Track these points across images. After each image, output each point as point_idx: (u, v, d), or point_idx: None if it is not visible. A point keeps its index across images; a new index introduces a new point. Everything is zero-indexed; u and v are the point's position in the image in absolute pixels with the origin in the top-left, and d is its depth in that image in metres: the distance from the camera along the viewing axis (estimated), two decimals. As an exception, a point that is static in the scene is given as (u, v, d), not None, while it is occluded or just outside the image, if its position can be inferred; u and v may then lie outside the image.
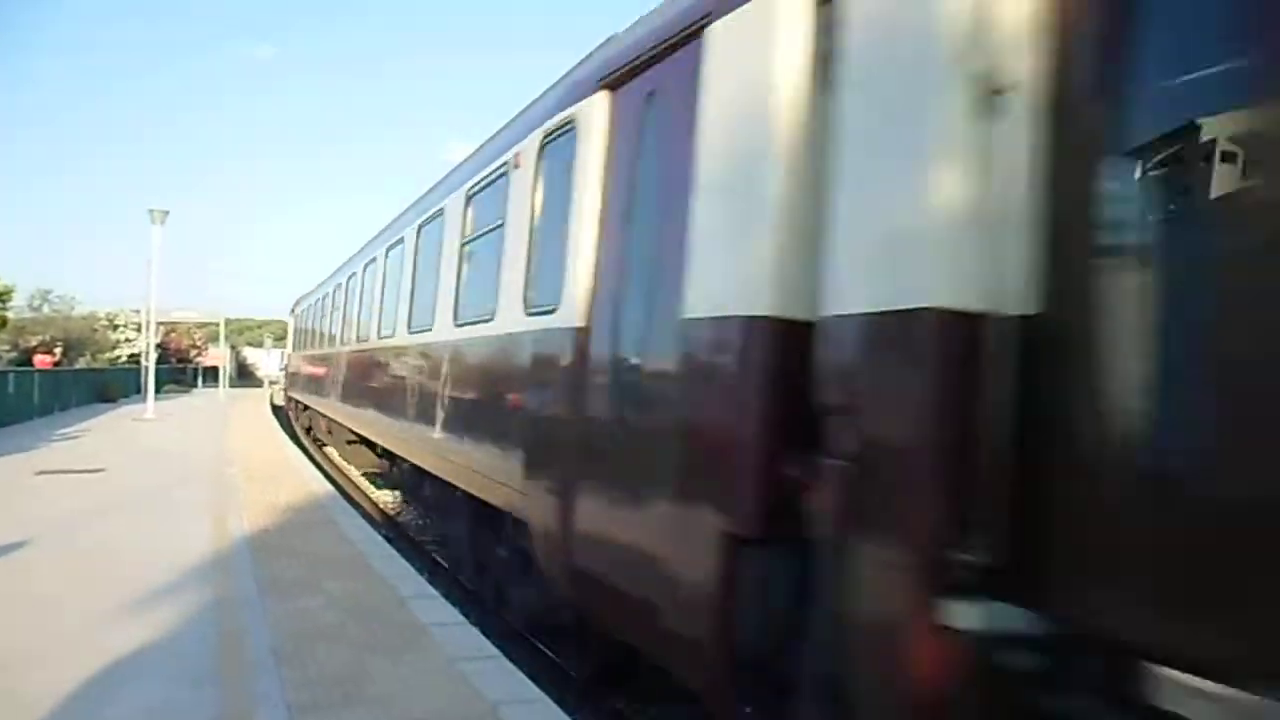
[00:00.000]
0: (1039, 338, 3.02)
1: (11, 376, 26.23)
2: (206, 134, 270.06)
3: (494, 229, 7.86)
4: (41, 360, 34.97)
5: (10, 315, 48.42)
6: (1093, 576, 2.82)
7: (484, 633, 6.56)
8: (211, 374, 61.96)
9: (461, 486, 8.31)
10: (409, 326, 11.10)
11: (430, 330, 9.74)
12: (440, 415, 8.88)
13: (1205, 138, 2.60)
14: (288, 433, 25.12)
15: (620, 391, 5.25)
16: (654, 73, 5.27)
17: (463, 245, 9.00)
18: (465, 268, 8.92)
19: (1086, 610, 2.86)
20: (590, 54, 6.68)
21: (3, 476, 13.72)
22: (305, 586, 7.42)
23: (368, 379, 13.83)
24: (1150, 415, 2.71)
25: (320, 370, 20.98)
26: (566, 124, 6.32)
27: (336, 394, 17.51)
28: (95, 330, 59.17)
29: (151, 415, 27.46)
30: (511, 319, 7.01)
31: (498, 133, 8.72)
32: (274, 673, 5.39)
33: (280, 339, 64.03)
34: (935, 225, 3.10)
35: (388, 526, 13.20)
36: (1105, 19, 3.02)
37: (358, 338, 15.60)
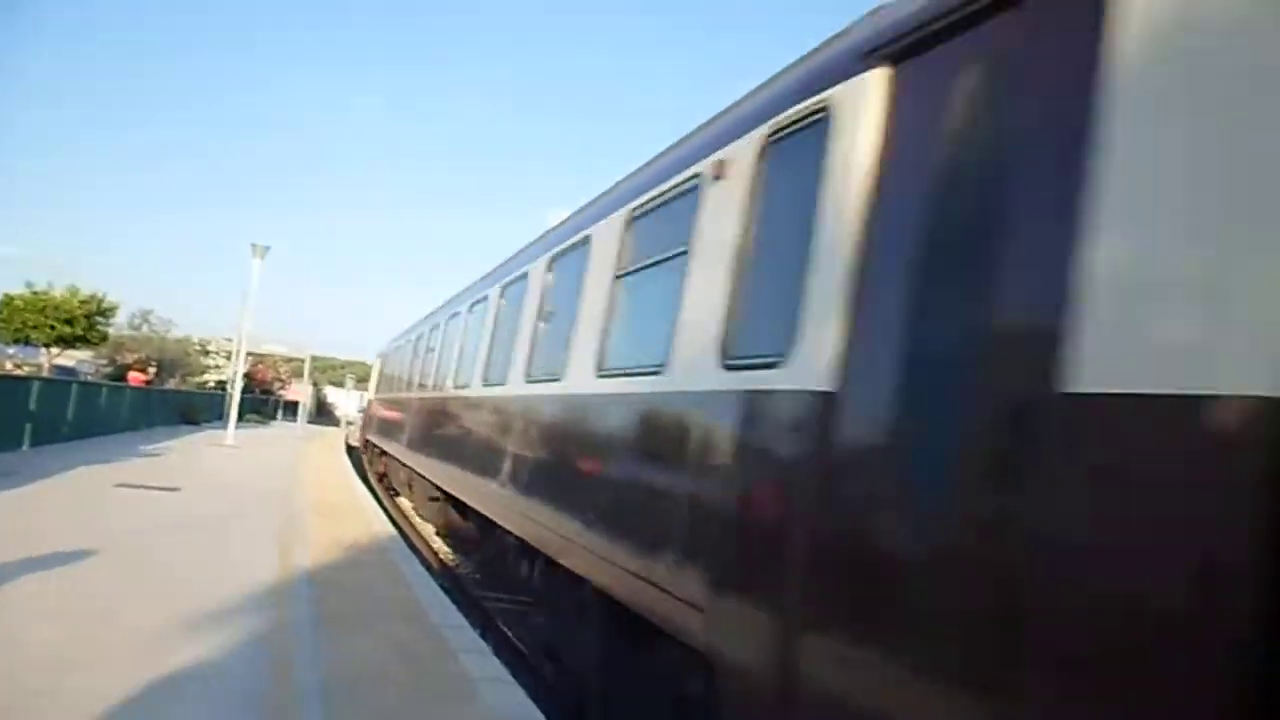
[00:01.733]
0: None
1: (104, 390, 27.18)
2: (315, 179, 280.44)
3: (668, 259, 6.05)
4: (135, 377, 36.24)
5: (111, 331, 50.45)
6: None
7: (531, 694, 6.45)
8: (291, 408, 63.41)
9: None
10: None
11: (554, 382, 7.97)
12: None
13: None
14: (358, 473, 25.44)
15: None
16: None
17: (615, 279, 7.18)
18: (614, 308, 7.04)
19: None
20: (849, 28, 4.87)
21: (83, 487, 14.12)
22: (360, 626, 7.40)
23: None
24: None
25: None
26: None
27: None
28: (188, 354, 61.35)
29: (231, 441, 28.11)
30: (692, 374, 5.27)
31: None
32: (318, 708, 5.36)
33: (362, 380, 65.30)
34: None
35: (446, 576, 13.19)
36: None
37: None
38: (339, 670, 6.13)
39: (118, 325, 52.57)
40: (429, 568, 12.10)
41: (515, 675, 6.94)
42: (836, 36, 4.97)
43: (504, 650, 8.80)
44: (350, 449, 35.54)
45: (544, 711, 6.02)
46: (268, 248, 30.28)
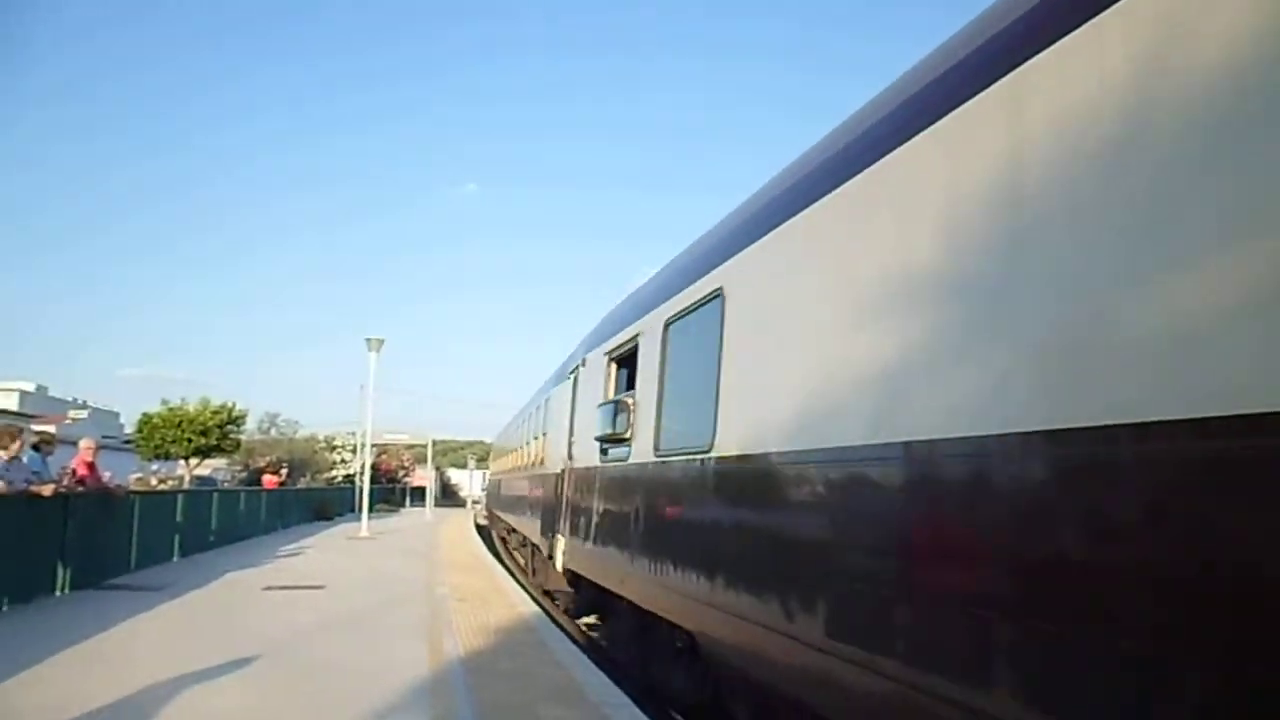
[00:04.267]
0: None
1: (243, 496, 28.10)
2: (418, 268, 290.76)
3: None
4: (269, 480, 37.34)
5: (243, 438, 52.42)
6: None
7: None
8: (418, 494, 64.72)
9: None
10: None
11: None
12: None
13: None
14: (490, 551, 25.62)
15: None
16: None
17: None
18: None
19: None
20: None
21: (237, 592, 14.47)
22: (521, 713, 7.28)
23: None
24: None
25: None
26: None
27: None
28: (315, 451, 63.23)
29: (365, 534, 28.68)
30: None
31: None
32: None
33: (483, 460, 66.21)
34: None
35: (593, 649, 13.02)
36: None
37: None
38: (510, 762, 5.99)
39: (248, 431, 54.60)
40: (577, 643, 11.95)
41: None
42: None
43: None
44: (479, 528, 35.93)
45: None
46: (382, 341, 31.09)
